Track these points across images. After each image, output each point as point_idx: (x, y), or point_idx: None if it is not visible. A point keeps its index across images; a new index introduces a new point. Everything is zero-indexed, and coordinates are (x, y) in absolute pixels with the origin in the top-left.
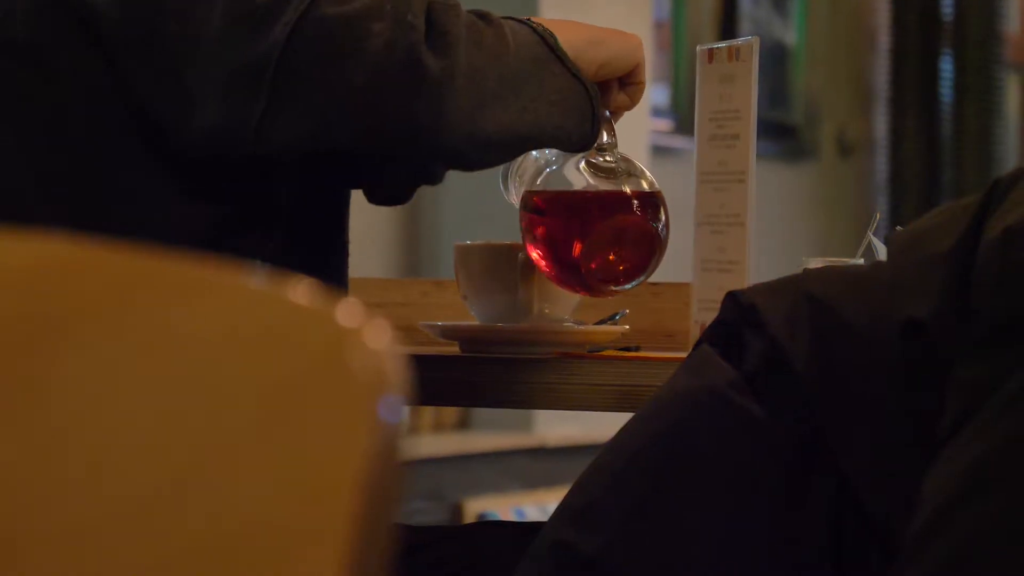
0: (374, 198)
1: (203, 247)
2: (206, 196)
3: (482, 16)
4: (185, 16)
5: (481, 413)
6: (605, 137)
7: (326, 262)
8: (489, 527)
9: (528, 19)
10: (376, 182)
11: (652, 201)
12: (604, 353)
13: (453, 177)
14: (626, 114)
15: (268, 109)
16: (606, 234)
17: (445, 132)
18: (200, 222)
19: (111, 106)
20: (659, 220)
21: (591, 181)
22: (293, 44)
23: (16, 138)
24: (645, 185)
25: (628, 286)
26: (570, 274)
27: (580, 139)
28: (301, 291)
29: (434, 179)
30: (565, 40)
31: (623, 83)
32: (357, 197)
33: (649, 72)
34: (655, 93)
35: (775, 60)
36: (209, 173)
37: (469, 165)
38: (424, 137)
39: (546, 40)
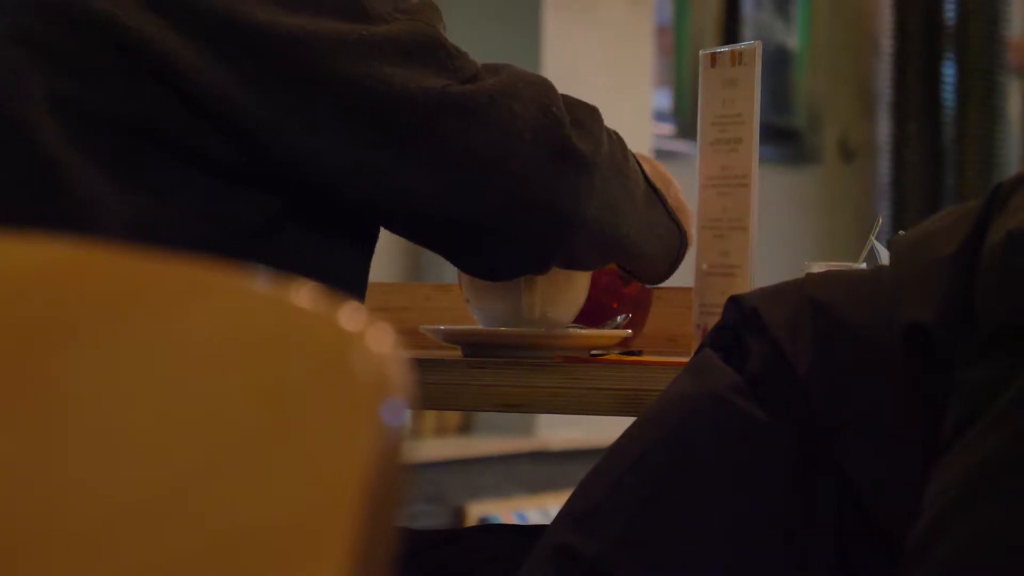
0: (469, 268)
1: (211, 248)
2: (216, 196)
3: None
4: None
5: (483, 417)
6: None
7: (349, 251)
8: (491, 531)
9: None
10: (476, 254)
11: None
12: (607, 357)
13: None
14: (628, 117)
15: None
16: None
17: (580, 218)
18: (208, 223)
19: (122, 112)
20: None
21: None
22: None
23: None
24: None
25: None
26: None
27: (658, 279)
28: (304, 294)
29: (543, 266)
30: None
31: None
32: None
33: (651, 76)
34: (657, 97)
35: (778, 64)
36: (222, 175)
37: (578, 260)
38: (561, 220)
39: (647, 177)
